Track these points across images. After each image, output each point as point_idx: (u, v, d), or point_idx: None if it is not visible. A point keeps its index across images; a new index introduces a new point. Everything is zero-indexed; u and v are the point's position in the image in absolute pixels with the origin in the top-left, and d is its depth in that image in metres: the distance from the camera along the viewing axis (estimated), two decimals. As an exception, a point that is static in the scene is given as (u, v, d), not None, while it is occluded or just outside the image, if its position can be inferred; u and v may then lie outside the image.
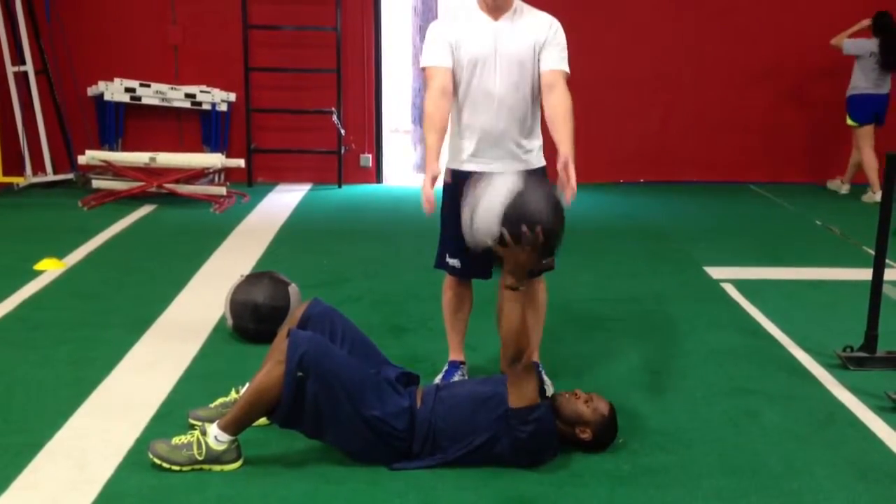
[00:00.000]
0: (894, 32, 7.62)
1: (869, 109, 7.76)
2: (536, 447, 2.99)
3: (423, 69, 3.44)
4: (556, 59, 3.39)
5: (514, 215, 2.89)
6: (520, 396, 2.96)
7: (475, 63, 3.34)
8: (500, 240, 2.91)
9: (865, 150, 7.77)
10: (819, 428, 3.38)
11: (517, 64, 3.34)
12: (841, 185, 8.12)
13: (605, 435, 3.11)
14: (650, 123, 8.46)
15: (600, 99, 8.13)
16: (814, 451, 3.18)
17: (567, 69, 3.41)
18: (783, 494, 2.89)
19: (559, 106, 3.36)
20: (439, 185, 3.29)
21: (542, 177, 3.24)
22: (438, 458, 2.99)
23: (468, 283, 3.64)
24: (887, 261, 4.01)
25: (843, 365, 3.96)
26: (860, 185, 7.94)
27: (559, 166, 3.22)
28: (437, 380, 3.59)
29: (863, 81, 7.73)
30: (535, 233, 2.89)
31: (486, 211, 2.93)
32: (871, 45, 7.64)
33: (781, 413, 3.49)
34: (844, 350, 4.03)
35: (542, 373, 3.67)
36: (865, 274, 4.13)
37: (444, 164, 3.58)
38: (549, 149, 3.51)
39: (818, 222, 6.98)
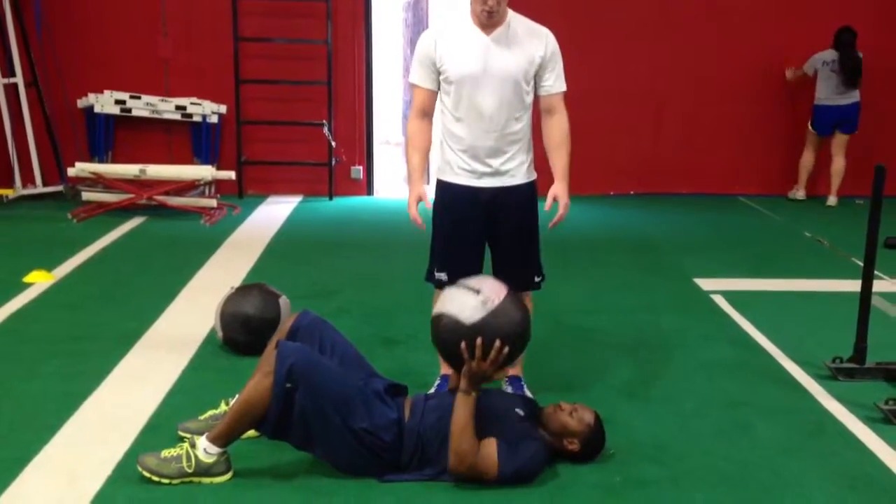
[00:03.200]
0: (852, 49, 7.76)
1: (826, 121, 7.96)
2: (529, 473, 2.99)
3: (411, 84, 3.48)
4: (555, 82, 3.42)
5: (485, 332, 2.90)
6: (485, 475, 2.91)
7: (464, 80, 3.33)
8: (469, 351, 2.92)
9: (806, 152, 8.13)
10: (809, 439, 3.38)
11: (510, 81, 3.33)
12: (828, 198, 8.15)
13: (592, 444, 3.10)
14: (641, 136, 8.48)
15: (592, 112, 8.14)
16: (804, 462, 3.19)
17: (565, 88, 3.45)
18: (774, 506, 2.89)
19: (556, 133, 3.47)
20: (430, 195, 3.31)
21: (515, 299, 3.10)
22: (428, 473, 2.98)
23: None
24: (876, 272, 4.03)
25: (833, 376, 3.97)
26: (848, 196, 7.99)
27: (549, 198, 3.41)
28: (429, 394, 3.58)
29: (822, 92, 7.91)
30: (500, 352, 2.91)
31: (454, 321, 2.95)
32: (828, 54, 7.82)
33: (772, 424, 3.50)
34: (834, 361, 4.04)
35: (525, 387, 3.66)
36: (854, 285, 4.14)
37: (434, 174, 3.60)
38: (541, 161, 3.53)
39: (808, 234, 7.00)
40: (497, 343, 2.90)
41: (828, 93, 7.87)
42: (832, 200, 8.10)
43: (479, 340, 2.89)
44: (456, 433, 2.89)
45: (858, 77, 7.81)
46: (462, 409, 2.92)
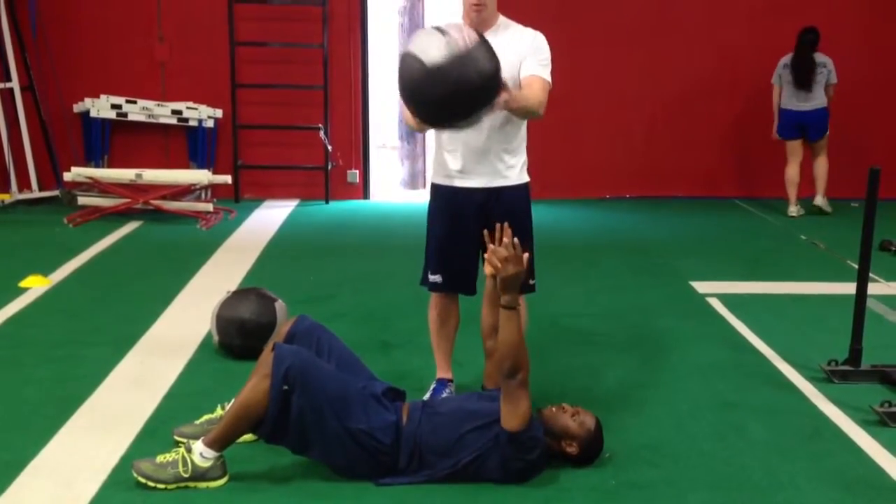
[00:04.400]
0: (809, 50, 7.52)
1: (788, 124, 7.70)
2: (529, 468, 2.99)
3: None
4: (534, 67, 3.35)
5: (449, 76, 2.76)
6: (514, 414, 2.93)
7: None
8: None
9: (788, 165, 7.78)
10: (804, 441, 3.39)
11: None
12: (820, 200, 7.88)
13: (591, 449, 3.11)
14: (636, 139, 8.50)
15: (586, 114, 8.17)
16: (799, 464, 3.19)
17: (546, 77, 3.38)
18: (769, 508, 2.90)
19: (528, 91, 3.28)
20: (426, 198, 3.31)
21: (487, 48, 2.91)
22: (425, 475, 2.98)
23: (454, 299, 3.64)
24: (871, 275, 4.04)
25: (828, 378, 3.98)
26: (843, 199, 7.99)
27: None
28: (426, 398, 3.59)
29: (784, 95, 7.68)
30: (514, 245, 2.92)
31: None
32: (788, 57, 7.65)
33: (767, 427, 3.50)
34: (829, 363, 4.04)
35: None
36: (850, 288, 4.15)
37: (428, 178, 3.60)
38: (534, 163, 3.54)
39: (803, 237, 7.02)
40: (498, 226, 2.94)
41: (787, 96, 7.64)
42: (819, 200, 7.82)
43: (502, 228, 2.93)
44: (512, 347, 2.91)
45: (811, 80, 7.50)
46: (508, 325, 2.92)
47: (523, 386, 2.94)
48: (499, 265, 2.92)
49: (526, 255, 2.96)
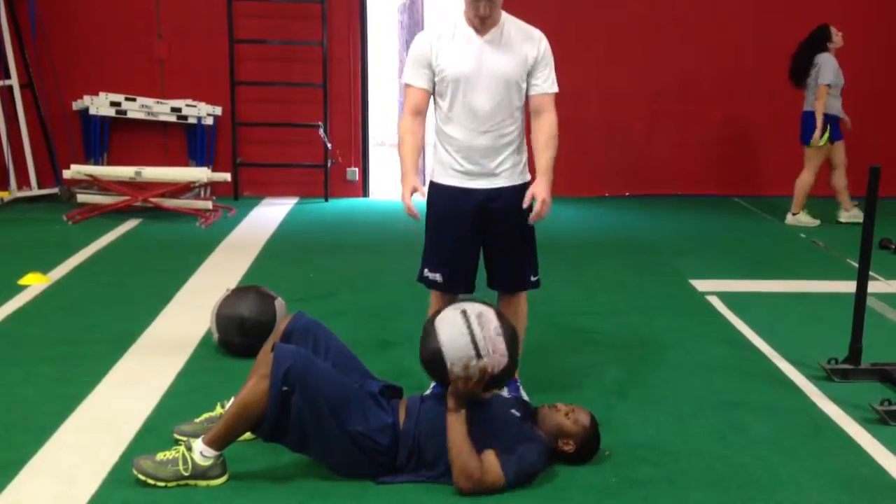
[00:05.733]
0: (809, 48, 7.18)
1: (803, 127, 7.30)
2: (534, 474, 3.00)
3: (404, 84, 3.48)
4: (546, 83, 3.43)
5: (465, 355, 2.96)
6: (492, 486, 2.90)
7: (459, 80, 3.34)
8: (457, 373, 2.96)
9: (805, 170, 7.33)
10: (805, 440, 3.39)
11: (503, 82, 3.35)
12: (845, 213, 7.45)
13: (588, 446, 3.11)
14: (635, 137, 8.50)
15: (586, 113, 8.16)
16: (799, 462, 3.19)
17: (556, 89, 3.46)
18: (769, 507, 2.90)
19: (543, 134, 3.46)
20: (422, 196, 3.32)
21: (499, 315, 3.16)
22: (423, 475, 2.98)
23: (453, 297, 3.64)
24: (871, 273, 4.04)
25: (828, 377, 3.98)
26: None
27: (528, 195, 3.40)
28: (425, 395, 3.58)
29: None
30: (482, 371, 2.96)
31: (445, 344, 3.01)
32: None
33: (767, 425, 3.50)
34: (829, 362, 4.05)
35: (520, 388, 3.67)
36: (850, 286, 4.16)
37: (428, 176, 3.60)
38: (533, 164, 3.53)
39: (803, 235, 7.02)
40: (481, 366, 2.94)
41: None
42: (789, 217, 7.43)
43: (465, 365, 2.95)
44: (455, 452, 2.89)
45: (802, 78, 7.15)
46: (455, 428, 2.92)
47: (480, 486, 2.89)
48: (461, 384, 2.95)
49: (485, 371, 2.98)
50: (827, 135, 7.13)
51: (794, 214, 7.44)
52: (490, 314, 3.08)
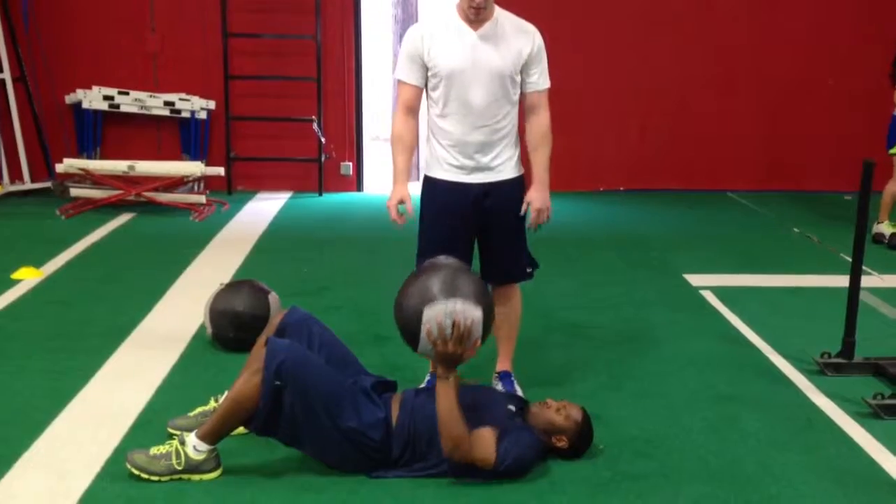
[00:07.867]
0: None
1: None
2: (528, 462, 2.99)
3: (396, 80, 3.48)
4: (540, 79, 3.43)
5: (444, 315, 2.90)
6: (482, 461, 2.90)
7: (452, 75, 3.34)
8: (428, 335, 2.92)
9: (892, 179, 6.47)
10: (798, 434, 3.40)
11: (497, 77, 3.34)
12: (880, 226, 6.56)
13: (581, 441, 3.11)
14: (630, 132, 8.49)
15: (580, 107, 8.15)
16: (792, 456, 3.20)
17: (548, 85, 3.46)
18: (762, 500, 2.90)
19: (536, 132, 3.49)
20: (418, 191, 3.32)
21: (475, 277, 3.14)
22: (418, 470, 2.98)
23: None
24: (864, 267, 4.05)
25: (822, 371, 3.99)
26: (836, 191, 8.00)
27: (524, 204, 3.45)
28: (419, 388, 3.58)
29: None
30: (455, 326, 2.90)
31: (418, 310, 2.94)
32: None
33: (760, 419, 3.51)
34: (822, 356, 4.05)
35: (515, 383, 3.67)
36: (843, 281, 4.16)
37: (422, 170, 3.60)
38: (527, 158, 3.54)
39: (796, 230, 7.03)
40: (461, 322, 2.89)
41: None
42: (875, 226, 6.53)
43: (439, 323, 2.88)
44: (444, 419, 2.88)
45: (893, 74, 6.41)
46: (444, 395, 2.90)
47: (468, 457, 2.89)
48: (439, 344, 2.90)
49: (478, 344, 2.95)
50: None
51: (878, 223, 6.53)
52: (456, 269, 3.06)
